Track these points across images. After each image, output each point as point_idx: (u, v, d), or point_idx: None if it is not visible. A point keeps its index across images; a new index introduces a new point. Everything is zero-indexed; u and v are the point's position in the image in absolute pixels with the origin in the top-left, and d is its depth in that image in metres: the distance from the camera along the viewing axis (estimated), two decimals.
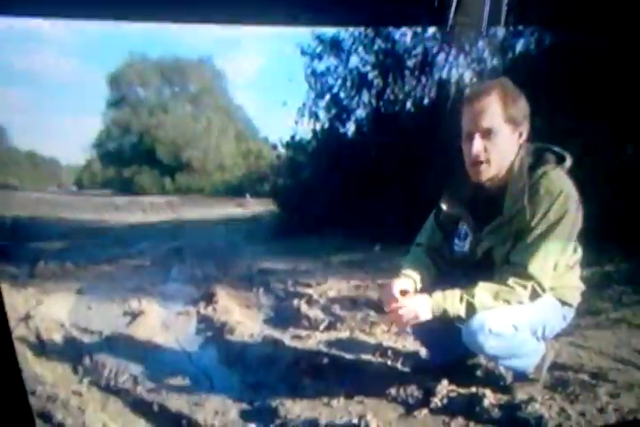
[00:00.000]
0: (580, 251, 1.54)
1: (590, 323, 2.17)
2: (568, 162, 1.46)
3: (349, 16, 1.32)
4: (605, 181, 2.97)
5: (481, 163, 1.43)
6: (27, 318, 2.68)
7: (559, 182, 1.41)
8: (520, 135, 1.45)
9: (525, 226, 1.40)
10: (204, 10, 1.01)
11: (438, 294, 1.41)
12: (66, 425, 1.54)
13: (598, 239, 2.04)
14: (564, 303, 1.52)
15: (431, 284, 1.52)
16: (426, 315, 1.39)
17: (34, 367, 2.01)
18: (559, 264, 1.44)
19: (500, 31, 4.85)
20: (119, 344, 2.29)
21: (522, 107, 1.44)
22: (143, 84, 23.62)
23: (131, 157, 21.79)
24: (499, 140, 1.42)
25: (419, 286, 1.52)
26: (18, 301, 3.05)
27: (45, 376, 1.93)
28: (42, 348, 2.29)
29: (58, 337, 2.44)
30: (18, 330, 2.45)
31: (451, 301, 1.39)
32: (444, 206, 1.57)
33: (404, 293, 1.45)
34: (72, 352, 2.21)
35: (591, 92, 3.58)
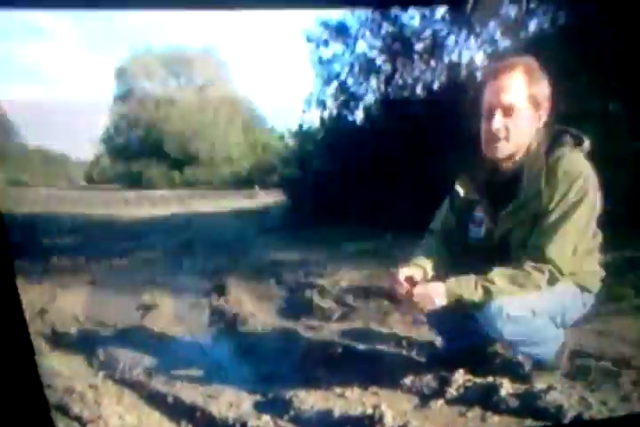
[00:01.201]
0: (599, 236, 1.51)
1: (612, 309, 2.11)
2: (586, 144, 1.44)
3: None
4: (624, 165, 2.89)
5: (499, 140, 1.41)
6: (42, 312, 2.70)
7: (577, 165, 1.39)
8: (539, 118, 1.43)
9: (543, 209, 1.38)
10: None
11: (453, 280, 1.39)
12: (83, 418, 1.55)
13: (618, 224, 1.98)
14: (583, 289, 1.49)
15: (446, 270, 1.49)
16: (441, 301, 1.38)
17: (50, 361, 2.02)
18: (578, 249, 1.40)
19: (513, 10, 4.72)
20: (133, 337, 2.29)
21: (544, 88, 1.42)
22: (149, 77, 23.55)
23: (139, 151, 21.77)
24: (519, 119, 1.40)
25: (430, 273, 1.50)
26: (33, 296, 3.07)
27: (61, 370, 1.94)
28: (57, 342, 2.31)
29: (73, 331, 2.45)
30: (34, 325, 2.47)
31: (466, 286, 1.37)
32: (459, 191, 1.54)
33: (410, 280, 1.43)
34: (87, 346, 2.22)
35: (608, 73, 3.48)
